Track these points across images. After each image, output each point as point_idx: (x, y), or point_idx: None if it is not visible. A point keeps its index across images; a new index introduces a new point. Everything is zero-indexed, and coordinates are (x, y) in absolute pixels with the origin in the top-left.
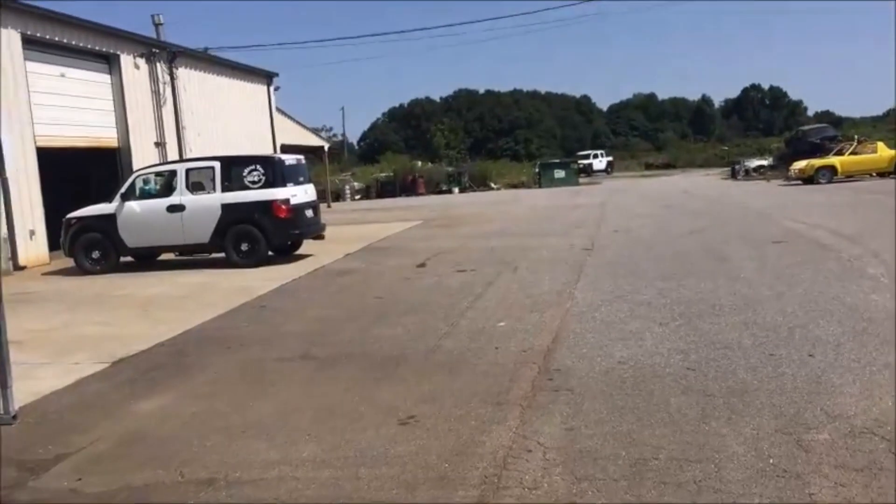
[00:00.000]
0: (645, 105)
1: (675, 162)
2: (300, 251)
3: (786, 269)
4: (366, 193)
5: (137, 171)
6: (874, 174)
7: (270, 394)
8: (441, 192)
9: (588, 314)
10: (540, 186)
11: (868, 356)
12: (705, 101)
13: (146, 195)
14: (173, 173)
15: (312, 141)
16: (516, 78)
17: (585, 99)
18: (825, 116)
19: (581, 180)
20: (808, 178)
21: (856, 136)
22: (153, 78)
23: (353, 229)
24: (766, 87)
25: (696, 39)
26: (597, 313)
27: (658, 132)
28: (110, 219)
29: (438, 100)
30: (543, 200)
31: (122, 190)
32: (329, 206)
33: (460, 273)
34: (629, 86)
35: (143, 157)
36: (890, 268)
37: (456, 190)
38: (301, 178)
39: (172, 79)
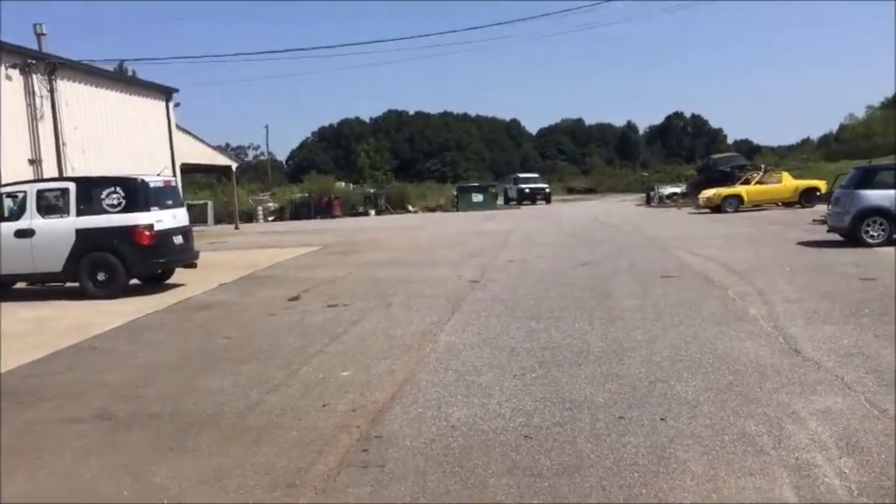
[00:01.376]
0: (573, 130)
1: (596, 187)
2: (171, 280)
3: (666, 309)
4: (280, 215)
5: None
6: (780, 203)
7: (26, 471)
8: (357, 214)
9: (443, 362)
10: (458, 210)
11: (723, 421)
12: (630, 127)
13: None
14: (22, 194)
15: (219, 160)
16: (447, 100)
17: (515, 122)
18: (744, 144)
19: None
20: (716, 207)
21: (762, 166)
22: (29, 91)
23: (245, 255)
24: (688, 115)
25: (624, 66)
26: (453, 361)
27: (585, 156)
28: None
29: (368, 120)
30: (454, 226)
31: None
32: (237, 228)
33: (330, 308)
34: (558, 111)
35: (14, 175)
36: (772, 308)
37: (372, 212)
38: (169, 202)
39: (52, 92)
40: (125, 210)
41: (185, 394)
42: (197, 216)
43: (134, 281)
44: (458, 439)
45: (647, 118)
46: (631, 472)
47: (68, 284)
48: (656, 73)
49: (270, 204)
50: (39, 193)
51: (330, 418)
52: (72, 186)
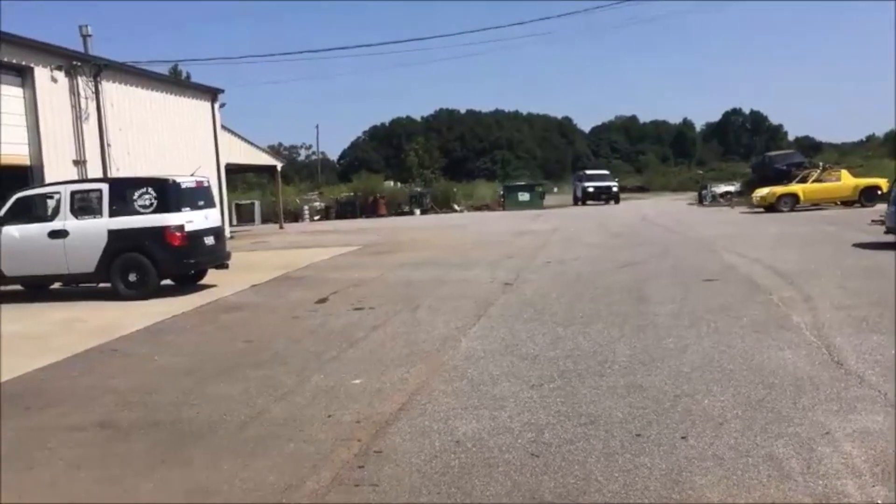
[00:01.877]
0: (626, 127)
1: (649, 185)
2: (204, 281)
3: (703, 315)
4: (325, 214)
5: (18, 192)
6: (838, 202)
7: (9, 482)
8: (402, 213)
9: (460, 370)
10: (504, 209)
11: (750, 441)
12: (686, 124)
13: (28, 219)
14: (57, 195)
15: (264, 160)
16: (498, 98)
17: (567, 120)
18: (805, 141)
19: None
20: (770, 206)
21: (821, 164)
22: (73, 92)
23: (284, 255)
24: (746, 111)
25: (682, 61)
26: (471, 369)
27: (639, 154)
28: None
29: (419, 119)
30: (497, 225)
31: (1, 213)
32: (281, 228)
33: (356, 311)
34: (611, 108)
35: (59, 175)
36: (817, 316)
37: (418, 211)
38: (201, 203)
39: (97, 93)
40: (156, 211)
41: (191, 401)
42: (244, 216)
43: (167, 282)
44: (461, 456)
45: (704, 115)
46: (640, 497)
47: (101, 285)
48: (714, 69)
49: (317, 203)
50: (73, 194)
51: (332, 430)
52: (104, 187)
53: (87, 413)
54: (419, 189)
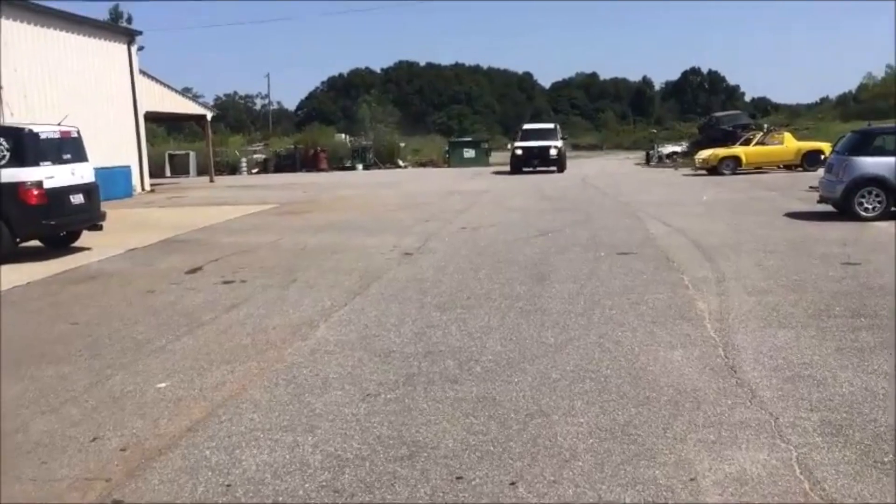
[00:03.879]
0: (587, 84)
1: (602, 144)
2: (78, 243)
3: (602, 300)
4: (264, 167)
5: None
6: (781, 166)
7: None
8: (344, 168)
9: (294, 371)
10: (449, 165)
11: (592, 491)
12: (646, 82)
13: None
14: None
15: (191, 108)
16: (459, 52)
17: (528, 76)
18: (761, 102)
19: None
20: (713, 169)
21: (765, 126)
22: None
23: (187, 213)
24: (705, 71)
25: (641, 21)
26: (308, 370)
27: (598, 112)
28: None
29: (379, 71)
30: (431, 184)
31: None
32: (211, 181)
33: (223, 286)
34: (572, 64)
35: None
36: (725, 302)
37: (360, 167)
38: (68, 156)
39: None
40: (9, 165)
41: None
42: (178, 167)
43: (36, 244)
44: None
45: (663, 74)
46: None
47: None
48: (673, 27)
49: (256, 156)
50: None
51: (83, 462)
52: None
53: None
54: (362, 143)
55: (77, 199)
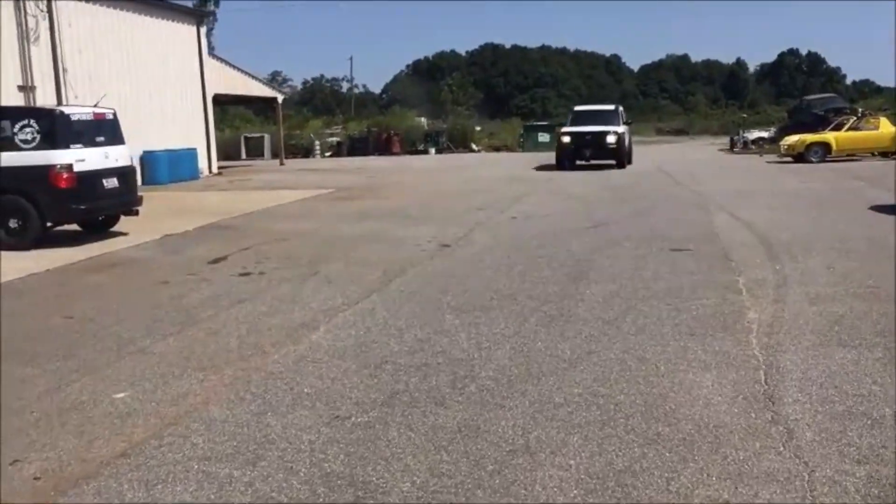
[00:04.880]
0: (677, 66)
1: (689, 128)
2: (116, 227)
3: (639, 304)
4: (337, 150)
5: None
6: (876, 153)
7: None
8: (417, 152)
9: (269, 383)
10: (523, 150)
11: None
12: (739, 64)
13: None
14: None
15: (261, 91)
16: (545, 33)
17: (615, 58)
18: (863, 85)
19: None
20: (799, 156)
21: (860, 110)
22: (20, 10)
23: (241, 197)
24: (804, 52)
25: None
26: (283, 382)
27: (689, 95)
28: None
29: (464, 53)
30: (498, 169)
31: None
32: (282, 164)
33: (240, 277)
34: (662, 46)
35: (1, 102)
36: (780, 311)
37: (433, 151)
38: (101, 138)
39: (49, 12)
40: (40, 147)
41: None
42: (253, 150)
43: (75, 227)
44: None
45: (758, 55)
46: None
47: None
48: (770, 5)
49: (331, 139)
50: None
51: None
52: None
53: None
54: (438, 127)
55: (110, 183)
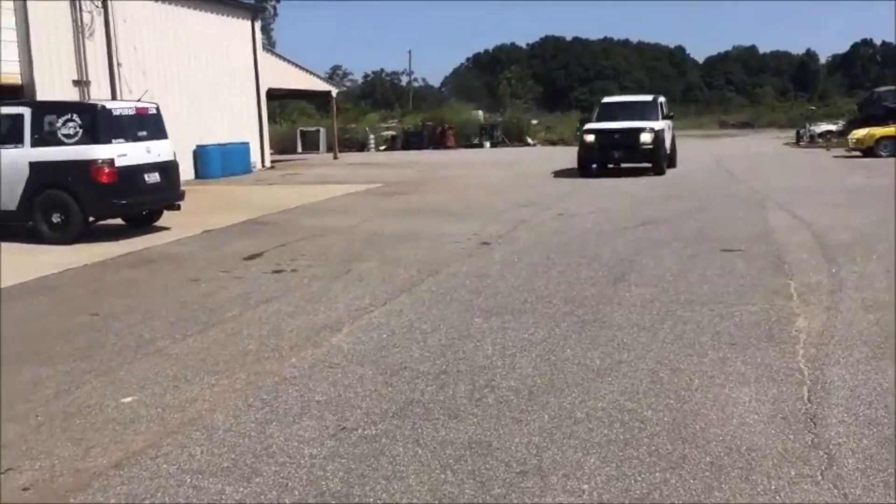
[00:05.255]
0: (744, 58)
1: (755, 121)
2: (160, 222)
3: (679, 309)
4: (392, 144)
5: None
6: None
7: None
8: (471, 146)
9: (280, 389)
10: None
11: None
12: (810, 55)
13: None
14: None
15: (315, 85)
16: (607, 26)
17: (679, 49)
18: None
19: None
20: (868, 150)
21: None
22: (76, 6)
23: (288, 192)
24: (878, 42)
25: None
26: (295, 388)
27: (756, 87)
28: None
29: (525, 46)
30: (549, 164)
31: None
32: (335, 158)
33: (270, 275)
34: (728, 37)
35: (56, 97)
36: (832, 320)
37: (487, 144)
38: (143, 133)
39: (104, 8)
40: (82, 141)
41: None
42: (309, 143)
43: (119, 222)
44: None
45: (830, 46)
46: None
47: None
48: None
49: (386, 133)
50: None
51: None
52: (27, 112)
53: None
54: (493, 120)
55: (152, 177)
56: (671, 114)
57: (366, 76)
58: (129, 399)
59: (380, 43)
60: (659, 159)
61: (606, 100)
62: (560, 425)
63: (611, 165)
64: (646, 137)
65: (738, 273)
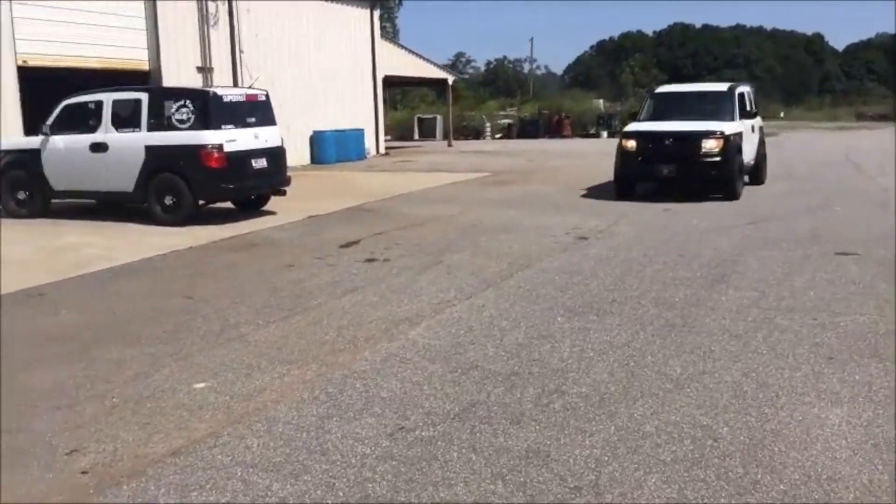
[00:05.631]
0: (887, 45)
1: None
2: (267, 207)
3: (777, 317)
4: (507, 133)
5: (67, 99)
6: None
7: None
8: (588, 135)
9: (348, 382)
10: None
11: None
12: None
13: (75, 129)
14: (99, 104)
15: (432, 73)
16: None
17: (817, 37)
18: None
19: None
20: None
21: None
22: None
23: (395, 179)
24: None
25: None
26: (358, 383)
27: None
28: (34, 155)
29: (651, 34)
30: None
31: (49, 121)
32: (450, 146)
33: (362, 264)
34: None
35: (180, 81)
36: None
37: (604, 134)
38: (252, 119)
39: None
40: (194, 127)
41: None
42: (425, 130)
43: (228, 205)
44: None
45: None
46: None
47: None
48: None
49: (503, 121)
50: (115, 103)
51: (30, 483)
52: (144, 97)
53: None
54: (612, 109)
55: (259, 163)
56: (755, 110)
57: (488, 64)
58: (201, 385)
59: (503, 31)
60: (729, 179)
61: (661, 89)
62: (626, 438)
63: (650, 181)
64: (710, 145)
65: (850, 279)
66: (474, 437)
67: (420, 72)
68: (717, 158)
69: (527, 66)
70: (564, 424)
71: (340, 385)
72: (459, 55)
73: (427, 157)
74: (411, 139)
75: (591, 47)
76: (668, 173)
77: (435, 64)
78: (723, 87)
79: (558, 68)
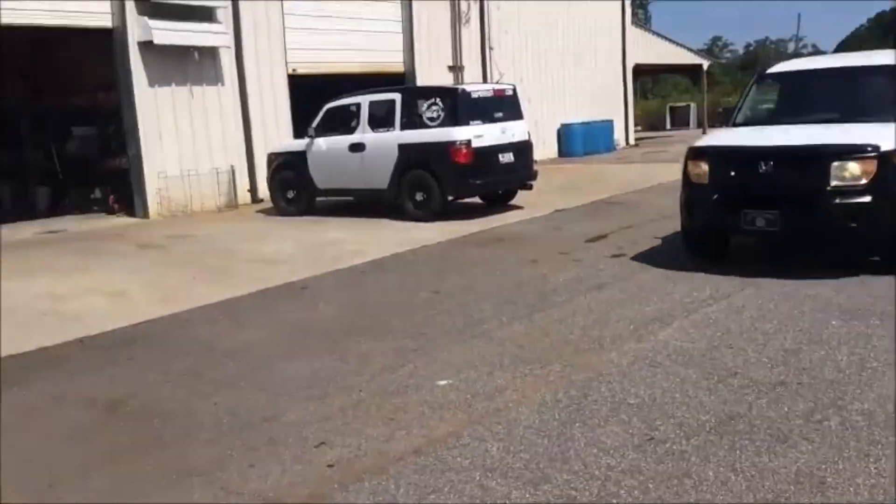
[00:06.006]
0: None
1: None
2: (514, 201)
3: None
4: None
5: (329, 103)
6: None
7: None
8: None
9: (588, 387)
10: None
11: None
12: None
13: (336, 131)
14: (357, 106)
15: (684, 59)
16: None
17: None
18: None
19: None
20: None
21: None
22: None
23: (645, 170)
24: None
25: None
26: (602, 387)
27: None
28: (301, 156)
29: None
30: None
31: (314, 124)
32: (704, 133)
33: (609, 259)
34: None
35: (432, 80)
36: None
37: None
38: (499, 114)
39: None
40: (443, 124)
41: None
42: (678, 119)
43: (477, 200)
44: None
45: None
46: None
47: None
48: None
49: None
50: (371, 105)
51: (279, 475)
52: (397, 97)
53: (101, 385)
54: None
55: (506, 158)
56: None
57: (747, 46)
58: (443, 382)
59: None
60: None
61: (777, 68)
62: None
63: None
64: (850, 173)
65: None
66: (733, 455)
67: (673, 58)
68: (864, 198)
69: (791, 46)
70: (843, 446)
71: (584, 388)
72: (716, 39)
73: (678, 147)
74: (662, 129)
75: (868, 20)
76: (765, 225)
77: (689, 49)
78: (888, 57)
79: (828, 45)
